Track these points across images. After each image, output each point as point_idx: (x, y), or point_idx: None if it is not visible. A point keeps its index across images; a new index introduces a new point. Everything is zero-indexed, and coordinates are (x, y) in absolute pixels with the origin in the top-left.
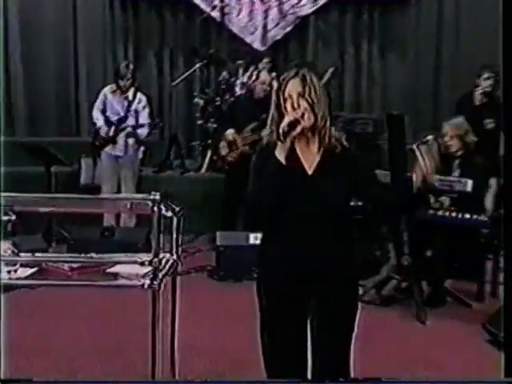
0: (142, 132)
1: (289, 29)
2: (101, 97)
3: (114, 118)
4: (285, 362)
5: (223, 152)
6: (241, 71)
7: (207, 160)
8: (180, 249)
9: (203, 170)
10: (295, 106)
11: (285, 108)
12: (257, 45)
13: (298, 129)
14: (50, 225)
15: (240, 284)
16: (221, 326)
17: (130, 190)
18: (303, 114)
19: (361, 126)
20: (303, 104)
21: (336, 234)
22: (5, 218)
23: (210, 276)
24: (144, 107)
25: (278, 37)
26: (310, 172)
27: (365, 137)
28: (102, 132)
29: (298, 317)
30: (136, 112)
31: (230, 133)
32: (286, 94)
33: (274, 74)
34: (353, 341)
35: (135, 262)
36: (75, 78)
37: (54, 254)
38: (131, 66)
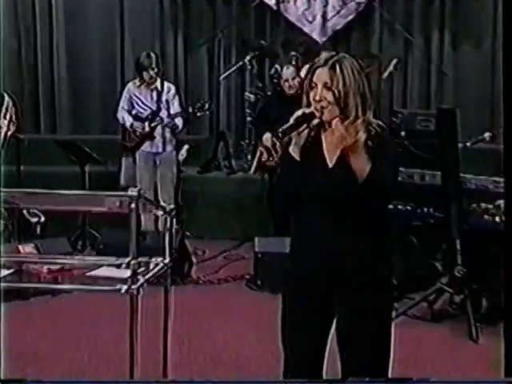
0: (177, 122)
1: (351, 17)
2: (125, 95)
3: (145, 114)
4: (302, 362)
5: (262, 158)
6: (293, 64)
7: (256, 160)
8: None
9: (252, 170)
10: (317, 97)
11: (308, 98)
12: (315, 35)
13: (314, 122)
14: (83, 227)
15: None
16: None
17: (167, 192)
18: (323, 108)
19: (423, 123)
20: (328, 96)
21: (359, 231)
22: (34, 219)
23: (248, 285)
24: (174, 96)
25: (339, 26)
26: (330, 164)
27: (427, 135)
28: (138, 129)
29: (319, 317)
30: (167, 102)
31: (266, 138)
32: (313, 84)
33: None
34: (388, 348)
35: (113, 265)
36: (121, 73)
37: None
38: (153, 55)
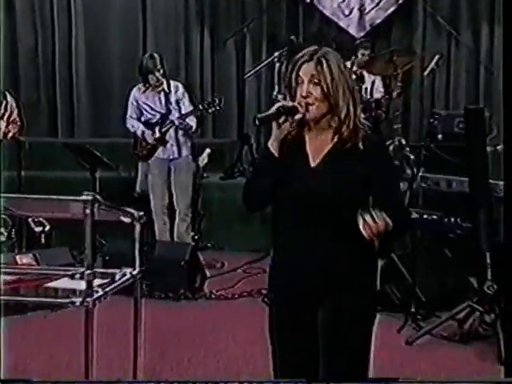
0: (190, 122)
1: (391, 10)
2: (131, 104)
3: (155, 119)
4: (294, 370)
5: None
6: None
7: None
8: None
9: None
10: (304, 93)
11: (295, 93)
12: (352, 30)
13: (296, 117)
14: (94, 238)
15: None
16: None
17: (184, 200)
18: (309, 104)
19: (461, 125)
20: (316, 92)
21: (340, 238)
22: (38, 228)
23: (265, 301)
24: (183, 94)
25: (378, 20)
26: (313, 164)
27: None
28: (147, 137)
29: (304, 327)
30: (177, 103)
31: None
32: (299, 79)
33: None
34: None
35: (66, 276)
36: None
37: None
38: (157, 56)
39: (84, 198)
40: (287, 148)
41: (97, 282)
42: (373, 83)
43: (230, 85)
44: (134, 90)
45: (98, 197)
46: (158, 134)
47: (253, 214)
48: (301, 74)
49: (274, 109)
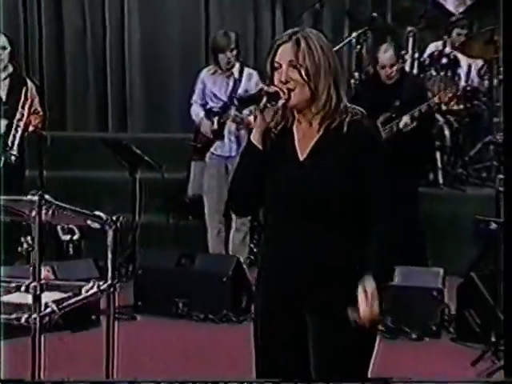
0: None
1: None
2: (198, 87)
3: (217, 108)
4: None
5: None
6: (411, 42)
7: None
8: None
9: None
10: (283, 78)
11: (272, 78)
12: (450, 4)
13: (278, 104)
14: (133, 247)
15: None
16: None
17: None
18: (290, 90)
19: None
20: (294, 76)
21: (332, 233)
22: (65, 237)
23: None
24: (257, 85)
25: None
26: (301, 157)
27: None
28: (203, 128)
29: (294, 328)
30: (247, 93)
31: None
32: (275, 63)
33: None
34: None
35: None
36: (206, 59)
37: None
38: (232, 34)
39: (29, 197)
40: (273, 141)
41: (56, 295)
42: (469, 68)
43: None
44: (204, 71)
45: (48, 197)
46: (215, 126)
47: None
48: (277, 57)
49: (255, 91)
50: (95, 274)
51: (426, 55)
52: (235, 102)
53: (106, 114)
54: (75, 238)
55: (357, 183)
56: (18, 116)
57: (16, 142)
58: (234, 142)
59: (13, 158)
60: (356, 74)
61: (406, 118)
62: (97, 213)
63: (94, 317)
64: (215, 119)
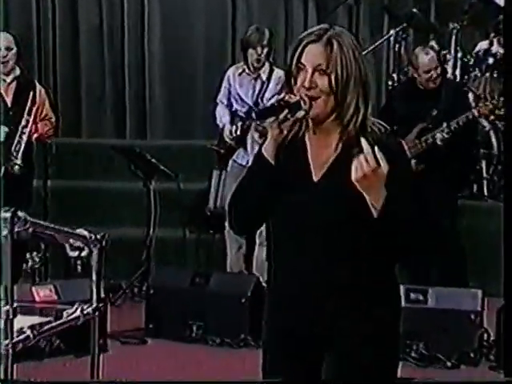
0: None
1: None
2: (224, 86)
3: (242, 112)
4: None
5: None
6: (453, 41)
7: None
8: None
9: None
10: (306, 83)
11: (295, 82)
12: None
13: (298, 114)
14: (148, 265)
15: None
16: None
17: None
18: (313, 98)
19: None
20: (321, 83)
21: (350, 266)
22: (72, 253)
23: None
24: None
25: None
26: (315, 177)
27: None
28: (226, 133)
29: (307, 370)
30: (274, 97)
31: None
32: (300, 65)
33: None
34: None
35: None
36: (232, 58)
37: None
38: (266, 31)
39: (2, 215)
40: (285, 155)
41: (35, 320)
42: None
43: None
44: (231, 69)
45: (21, 214)
46: (238, 132)
47: None
48: (303, 58)
49: (274, 101)
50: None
51: (470, 55)
52: (253, 115)
53: (124, 119)
54: (83, 254)
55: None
56: (23, 123)
57: (21, 151)
58: (254, 148)
59: (16, 167)
60: (394, 76)
61: (441, 133)
62: (79, 231)
63: (100, 341)
64: (239, 124)
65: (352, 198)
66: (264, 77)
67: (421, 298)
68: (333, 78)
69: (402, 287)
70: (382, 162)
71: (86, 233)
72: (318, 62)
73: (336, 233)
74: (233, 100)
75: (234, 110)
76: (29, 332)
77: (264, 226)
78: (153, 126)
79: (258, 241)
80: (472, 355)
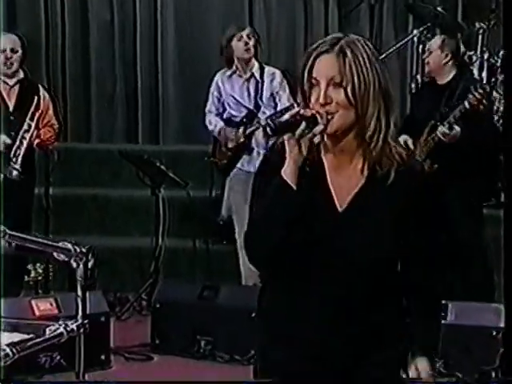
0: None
1: None
2: (212, 93)
3: (240, 117)
4: None
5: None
6: (480, 41)
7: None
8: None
9: None
10: (321, 99)
11: (309, 97)
12: None
13: (316, 130)
14: (156, 277)
15: None
16: None
17: None
18: (331, 114)
19: None
20: (337, 96)
21: (373, 309)
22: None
23: None
24: (281, 85)
25: None
26: (340, 208)
27: None
28: (230, 137)
29: None
30: (272, 97)
31: (403, 141)
32: (313, 79)
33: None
34: None
35: None
36: None
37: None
38: (248, 30)
39: None
40: (303, 178)
41: (16, 337)
42: None
43: None
44: (218, 75)
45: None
46: (240, 138)
47: None
48: (315, 71)
49: (288, 116)
50: (104, 308)
51: (498, 56)
52: (268, 128)
53: (136, 123)
54: (88, 266)
55: (400, 249)
56: (25, 127)
57: (20, 156)
58: (262, 156)
59: (15, 173)
60: (418, 77)
61: (442, 128)
62: (63, 244)
63: (103, 356)
64: (240, 130)
65: (382, 232)
66: (257, 75)
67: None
68: (349, 90)
69: None
70: None
71: (69, 245)
72: (332, 74)
73: (363, 267)
74: (226, 106)
75: (228, 116)
76: (8, 350)
77: None
78: (165, 131)
79: None
80: (493, 374)
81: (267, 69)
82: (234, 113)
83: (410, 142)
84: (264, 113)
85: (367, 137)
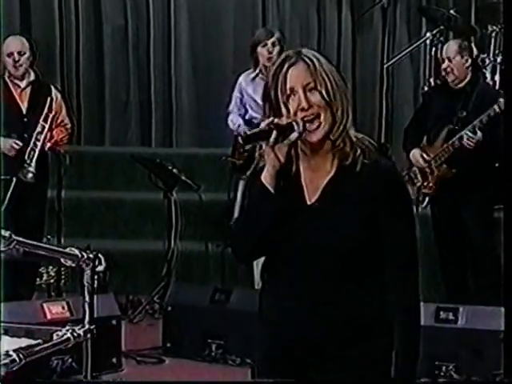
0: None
1: None
2: (236, 95)
3: (259, 119)
4: None
5: (418, 183)
6: (492, 44)
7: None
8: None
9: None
10: (304, 104)
11: (287, 109)
12: None
13: (291, 137)
14: (168, 280)
15: None
16: None
17: None
18: (314, 117)
19: None
20: (315, 99)
21: (345, 297)
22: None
23: None
24: None
25: None
26: (309, 201)
27: None
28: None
29: None
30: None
31: (415, 155)
32: (288, 90)
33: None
34: None
35: None
36: None
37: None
38: (276, 30)
39: None
40: (279, 179)
41: (23, 342)
42: None
43: (374, 73)
44: (242, 76)
45: (6, 233)
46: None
47: None
48: (289, 82)
49: (263, 125)
50: (116, 312)
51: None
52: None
53: (150, 125)
54: (100, 269)
55: (374, 236)
56: (38, 129)
57: (34, 158)
58: None
59: (29, 175)
60: (431, 81)
61: (466, 134)
62: (70, 250)
63: (114, 359)
64: None
65: (348, 222)
66: None
67: (451, 317)
68: (324, 92)
69: (432, 306)
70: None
71: (76, 251)
72: (307, 81)
73: (332, 257)
74: (248, 107)
75: (248, 117)
76: (15, 355)
77: None
78: (179, 134)
79: None
80: (506, 380)
81: None
82: (254, 115)
83: (424, 155)
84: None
85: (338, 134)
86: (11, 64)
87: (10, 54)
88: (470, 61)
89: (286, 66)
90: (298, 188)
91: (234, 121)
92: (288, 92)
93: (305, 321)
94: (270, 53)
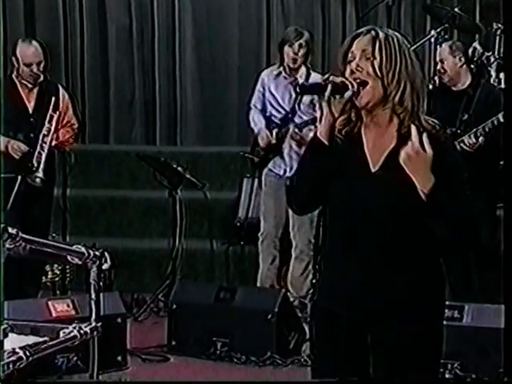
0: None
1: None
2: (258, 89)
3: (277, 118)
4: None
5: None
6: (497, 42)
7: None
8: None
9: None
10: (353, 66)
11: (345, 70)
12: None
13: (346, 95)
14: (173, 278)
15: None
16: None
17: (305, 232)
18: (361, 82)
19: None
20: (366, 67)
21: (406, 262)
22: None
23: None
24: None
25: None
26: (373, 168)
27: None
28: (261, 140)
29: (352, 358)
30: (312, 103)
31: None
32: (349, 55)
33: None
34: None
35: None
36: (267, 61)
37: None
38: (305, 32)
39: None
40: (339, 147)
41: (30, 340)
42: None
43: None
44: (265, 72)
45: (13, 230)
46: (273, 141)
47: None
48: (353, 48)
49: (320, 80)
50: (121, 310)
51: None
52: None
53: (154, 124)
54: (105, 267)
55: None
56: (44, 131)
57: (42, 162)
58: (294, 160)
59: (38, 180)
60: (436, 79)
61: (467, 139)
62: (76, 247)
63: (119, 357)
64: (274, 131)
65: (411, 189)
66: (301, 81)
67: (456, 315)
68: (376, 63)
69: None
70: (428, 147)
71: (83, 249)
72: (364, 48)
73: (391, 224)
74: (267, 104)
75: (268, 115)
76: (21, 353)
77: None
78: (183, 132)
79: (293, 254)
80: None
81: (313, 75)
82: (273, 112)
83: None
84: (300, 117)
85: (394, 107)
86: (28, 73)
87: (29, 65)
88: (463, 60)
89: (354, 35)
90: (361, 155)
91: (256, 120)
92: (349, 56)
93: (363, 282)
94: (296, 54)
